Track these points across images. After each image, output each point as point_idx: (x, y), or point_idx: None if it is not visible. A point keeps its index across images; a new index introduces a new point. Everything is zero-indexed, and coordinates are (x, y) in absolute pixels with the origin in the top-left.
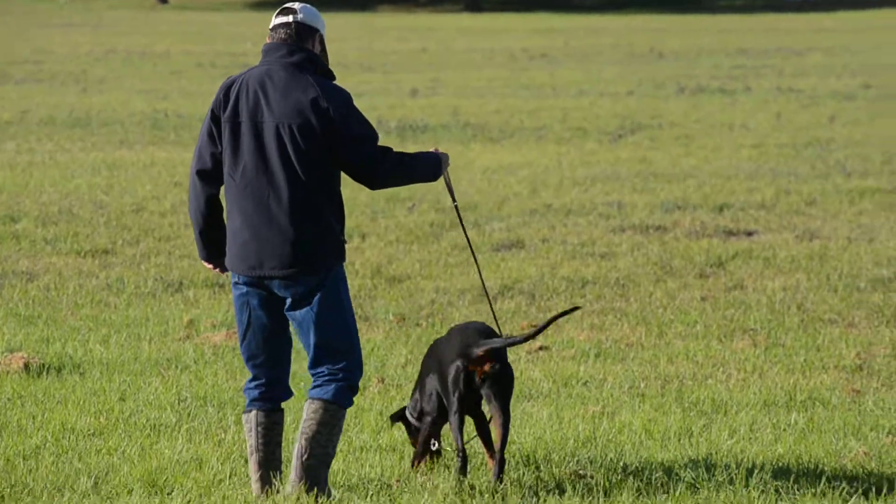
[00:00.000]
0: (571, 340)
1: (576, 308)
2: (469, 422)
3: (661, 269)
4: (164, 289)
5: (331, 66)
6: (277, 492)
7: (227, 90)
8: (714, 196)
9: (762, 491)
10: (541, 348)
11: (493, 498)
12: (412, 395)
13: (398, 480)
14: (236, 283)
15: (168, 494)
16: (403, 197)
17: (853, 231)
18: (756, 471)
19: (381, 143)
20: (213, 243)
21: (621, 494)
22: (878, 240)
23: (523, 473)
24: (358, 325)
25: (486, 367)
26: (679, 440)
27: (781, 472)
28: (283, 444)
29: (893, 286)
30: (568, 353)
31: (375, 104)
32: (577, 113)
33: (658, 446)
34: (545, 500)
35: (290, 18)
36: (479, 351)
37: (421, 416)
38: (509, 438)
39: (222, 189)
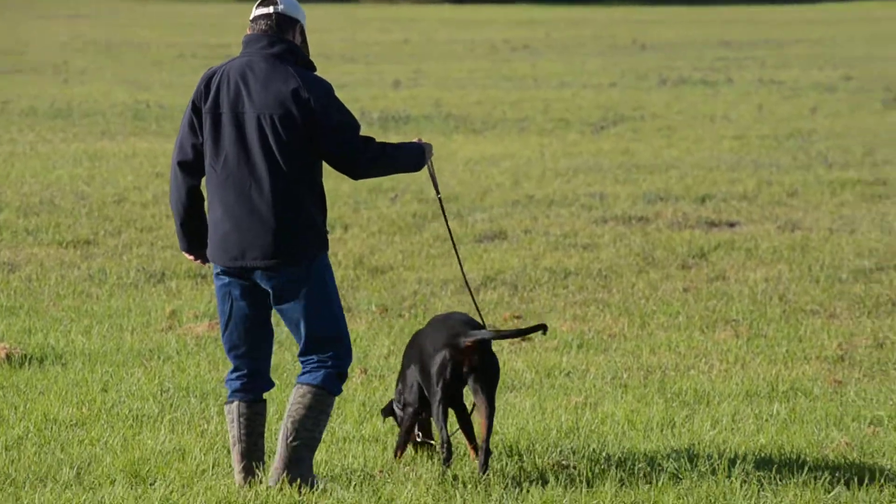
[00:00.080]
0: (554, 331)
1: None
2: (451, 414)
3: (643, 260)
4: (147, 279)
5: (313, 58)
6: (260, 482)
7: (207, 81)
8: (696, 187)
9: (744, 481)
10: (523, 340)
11: (477, 488)
12: (396, 386)
13: (381, 471)
14: (218, 274)
15: (151, 485)
16: (386, 188)
17: (835, 222)
18: (738, 461)
19: (363, 133)
20: (194, 234)
21: (604, 485)
22: (859, 231)
23: (506, 464)
24: None
25: (474, 359)
26: (661, 431)
27: (764, 463)
28: (265, 435)
29: (874, 277)
30: (551, 344)
31: (358, 95)
32: (560, 104)
33: (641, 437)
34: (528, 491)
35: (270, 9)
36: (467, 342)
37: (404, 407)
38: (493, 429)
39: (203, 180)
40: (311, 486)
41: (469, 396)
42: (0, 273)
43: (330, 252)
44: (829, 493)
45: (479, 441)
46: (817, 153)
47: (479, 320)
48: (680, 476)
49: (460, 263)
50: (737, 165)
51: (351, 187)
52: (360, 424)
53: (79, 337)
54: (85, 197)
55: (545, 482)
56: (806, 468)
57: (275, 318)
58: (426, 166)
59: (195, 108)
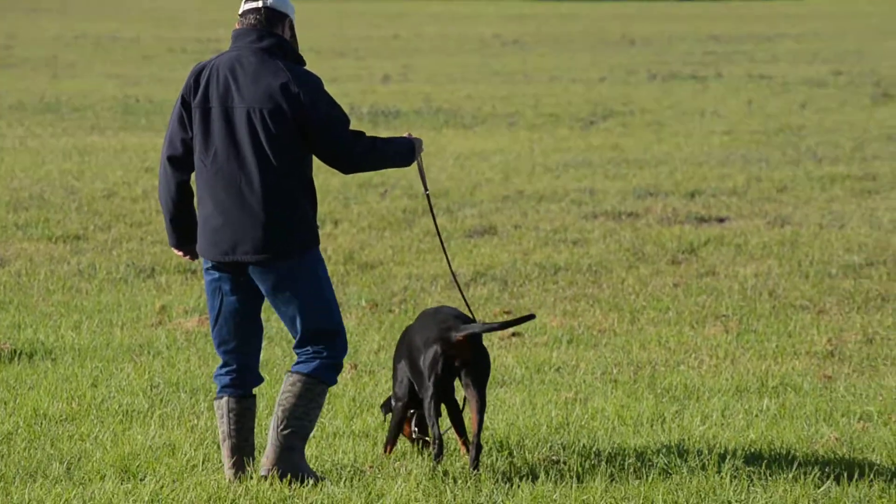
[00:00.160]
0: (544, 327)
1: (531, 317)
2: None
3: (633, 255)
4: (136, 275)
5: (302, 52)
6: (251, 477)
7: (197, 76)
8: (686, 182)
9: (734, 476)
10: (513, 335)
11: (467, 483)
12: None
13: (371, 466)
14: (208, 269)
15: (141, 480)
16: (376, 183)
17: (824, 217)
18: (728, 456)
19: (353, 128)
20: (183, 230)
21: (594, 480)
22: (848, 226)
23: (497, 459)
24: None
25: (465, 353)
26: (651, 426)
27: (753, 458)
28: (255, 430)
29: (864, 272)
30: (541, 340)
31: (347, 90)
32: (549, 99)
33: (631, 432)
34: (518, 486)
35: (259, 4)
36: (458, 336)
37: (395, 402)
38: (483, 424)
39: (193, 175)
40: (303, 475)
41: (460, 391)
42: None
43: (320, 247)
44: (819, 488)
45: (470, 436)
46: (807, 148)
47: (468, 315)
48: (670, 471)
49: (448, 260)
50: (726, 161)
51: (341, 182)
52: (350, 420)
53: (68, 332)
54: (74, 192)
55: (535, 477)
56: (795, 463)
57: (264, 313)
58: (416, 162)
59: (184, 103)
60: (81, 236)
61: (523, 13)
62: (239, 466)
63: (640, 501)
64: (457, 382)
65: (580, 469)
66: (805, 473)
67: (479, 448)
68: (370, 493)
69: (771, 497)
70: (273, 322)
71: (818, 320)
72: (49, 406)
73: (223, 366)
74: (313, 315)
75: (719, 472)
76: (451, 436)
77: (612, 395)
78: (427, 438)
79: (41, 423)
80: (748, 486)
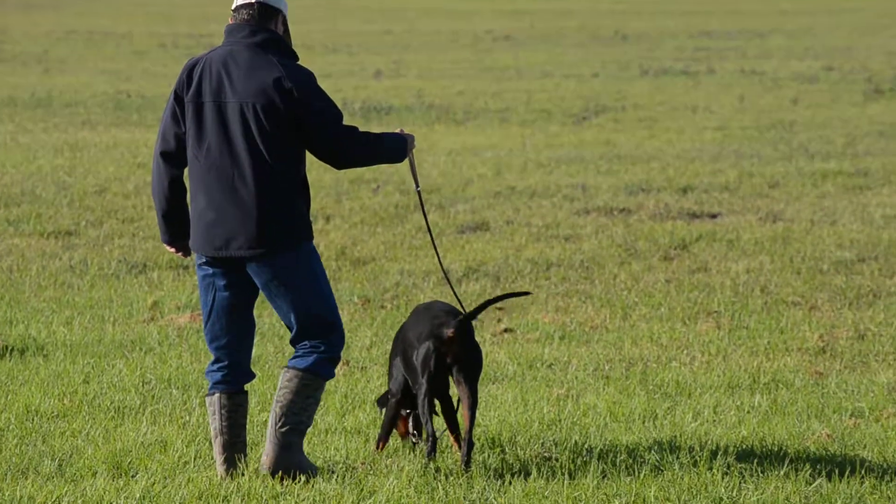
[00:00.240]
0: (536, 323)
1: (527, 293)
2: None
3: (625, 251)
4: (128, 270)
5: (295, 48)
6: (242, 474)
7: (189, 71)
8: (678, 178)
9: (726, 473)
10: (505, 331)
11: (459, 480)
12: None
13: (363, 463)
14: (201, 265)
15: (132, 477)
16: (368, 178)
17: (816, 213)
18: (720, 453)
19: (346, 123)
20: (176, 226)
21: (586, 477)
22: (840, 222)
23: (488, 456)
24: None
25: (457, 349)
26: (643, 422)
27: (745, 454)
28: (247, 427)
29: (856, 268)
30: (533, 336)
31: (340, 86)
32: (542, 95)
33: (622, 429)
34: (510, 483)
35: None
36: (449, 332)
37: (389, 398)
38: (475, 421)
39: (186, 171)
40: (303, 471)
41: (453, 388)
42: None
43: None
44: (811, 484)
45: (462, 433)
46: (799, 144)
47: (461, 309)
48: (662, 468)
49: (439, 258)
50: (718, 156)
51: (333, 178)
52: (342, 416)
53: (60, 328)
54: (66, 187)
55: (527, 474)
56: (787, 460)
57: (256, 309)
58: (408, 158)
59: (177, 98)
60: (73, 232)
61: (516, 9)
62: (231, 463)
63: (632, 498)
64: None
65: (572, 466)
66: (796, 470)
67: (470, 445)
68: (362, 490)
69: (762, 493)
70: (265, 318)
71: (810, 316)
72: (41, 402)
73: (215, 362)
74: (309, 308)
75: (711, 468)
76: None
77: (604, 391)
78: (421, 442)
79: (33, 420)
80: (740, 482)
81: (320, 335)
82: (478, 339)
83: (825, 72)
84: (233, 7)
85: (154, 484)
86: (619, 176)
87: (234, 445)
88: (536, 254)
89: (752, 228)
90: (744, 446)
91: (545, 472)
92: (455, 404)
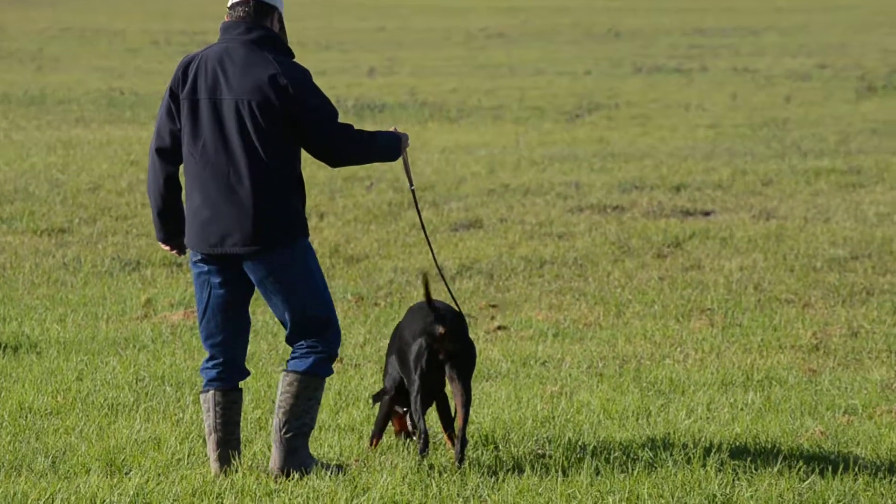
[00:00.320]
0: (530, 320)
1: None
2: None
3: (618, 248)
4: (122, 268)
5: (289, 45)
6: (236, 471)
7: (185, 68)
8: (671, 176)
9: (719, 470)
10: (499, 328)
11: (453, 477)
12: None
13: (357, 460)
14: (196, 262)
15: (126, 474)
16: (361, 176)
17: (809, 211)
18: (713, 450)
19: (341, 121)
20: (171, 224)
21: (580, 474)
22: (833, 220)
23: (482, 453)
24: None
25: (450, 346)
26: (637, 420)
27: (738, 452)
28: (241, 424)
29: (849, 266)
30: (526, 333)
31: (333, 83)
32: (535, 92)
33: (616, 426)
34: (504, 480)
35: None
36: (441, 329)
37: (384, 395)
38: (469, 418)
39: (181, 169)
40: (308, 466)
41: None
42: None
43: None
44: (804, 481)
45: (456, 430)
46: (791, 142)
47: (455, 308)
48: (655, 465)
49: (434, 256)
50: (711, 154)
51: (326, 176)
52: (335, 413)
53: (53, 325)
54: (59, 185)
55: (521, 471)
56: (780, 457)
57: (251, 307)
58: (401, 157)
59: (173, 95)
60: (66, 229)
61: (512, 6)
62: (224, 460)
63: (626, 495)
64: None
65: (565, 463)
66: (790, 467)
67: (464, 442)
68: (356, 487)
69: (756, 491)
70: (258, 316)
71: (803, 314)
72: (34, 400)
73: (210, 359)
74: (304, 304)
75: (704, 465)
76: (437, 429)
77: (598, 388)
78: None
79: (26, 417)
80: (733, 479)
81: (316, 333)
82: (471, 336)
83: (818, 69)
84: (229, 4)
85: (148, 481)
86: (612, 174)
87: (228, 442)
88: (530, 251)
89: (746, 226)
90: (737, 443)
91: (539, 469)
92: (450, 401)
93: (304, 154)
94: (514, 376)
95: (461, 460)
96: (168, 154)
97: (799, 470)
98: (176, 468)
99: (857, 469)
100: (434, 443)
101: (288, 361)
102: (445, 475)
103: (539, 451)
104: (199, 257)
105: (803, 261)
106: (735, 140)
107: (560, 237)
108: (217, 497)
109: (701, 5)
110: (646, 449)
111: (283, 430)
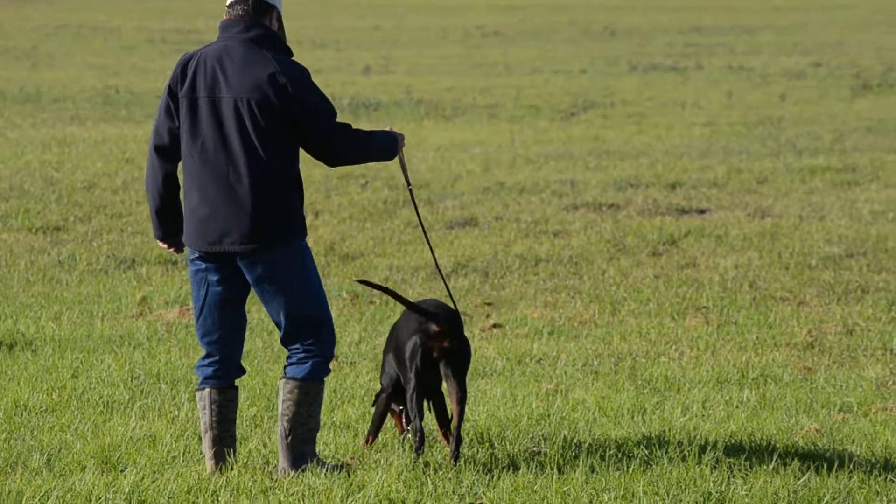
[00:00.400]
0: (525, 318)
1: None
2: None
3: (614, 246)
4: (117, 266)
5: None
6: (231, 468)
7: (184, 66)
8: (666, 174)
9: (714, 468)
10: (494, 326)
11: (448, 475)
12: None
13: (352, 458)
14: (193, 260)
15: (121, 471)
16: (357, 174)
17: (804, 209)
18: (709, 448)
19: (338, 120)
20: (169, 221)
21: (575, 471)
22: (828, 218)
23: (477, 451)
24: None
25: (445, 343)
26: (632, 417)
27: (734, 449)
28: (237, 422)
29: (844, 264)
30: (522, 331)
31: (328, 81)
32: (530, 91)
33: (611, 424)
34: (499, 478)
35: None
36: (436, 327)
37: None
38: (464, 416)
39: (179, 166)
40: (316, 462)
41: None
42: None
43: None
44: (799, 479)
45: (451, 428)
46: (787, 140)
47: (450, 306)
48: (650, 462)
49: (434, 258)
50: (707, 152)
51: (322, 174)
52: (331, 412)
53: (49, 323)
54: (54, 183)
55: (516, 469)
56: (776, 455)
57: (246, 305)
58: (398, 157)
59: (171, 93)
60: (61, 227)
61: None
62: (219, 458)
63: (621, 493)
64: None
65: (561, 460)
66: (785, 465)
67: (459, 440)
68: (351, 485)
69: (751, 488)
70: (254, 313)
71: (798, 312)
72: (29, 397)
73: (206, 357)
74: (300, 304)
75: (699, 463)
76: (432, 427)
77: (593, 386)
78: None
79: (21, 415)
80: (728, 477)
81: (311, 335)
82: (467, 334)
83: (813, 68)
84: (227, 3)
85: (143, 479)
86: (607, 172)
87: (224, 440)
88: (525, 249)
89: (741, 224)
90: (732, 441)
91: (534, 467)
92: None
93: (301, 153)
94: (509, 374)
95: (456, 458)
96: (167, 152)
97: (794, 467)
98: (171, 466)
99: (852, 467)
100: (429, 440)
101: (285, 368)
102: (441, 473)
103: (534, 449)
104: (197, 255)
105: (798, 259)
106: (730, 138)
107: (555, 235)
108: (212, 495)
109: (698, 4)
110: (641, 446)
111: (290, 438)
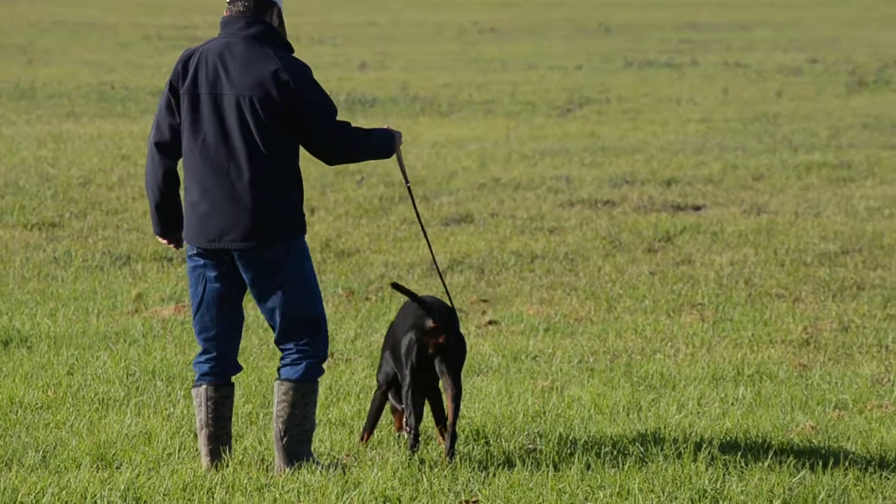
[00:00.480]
0: (521, 315)
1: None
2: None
3: (609, 243)
4: (112, 262)
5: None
6: (227, 465)
7: (185, 62)
8: (662, 170)
9: (710, 465)
10: (490, 323)
11: (444, 472)
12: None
13: (348, 455)
14: (192, 256)
15: (117, 468)
16: (352, 170)
17: (800, 205)
18: (704, 445)
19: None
20: (169, 217)
21: (570, 469)
22: (824, 214)
23: (473, 448)
24: None
25: (440, 339)
26: (628, 414)
27: (729, 446)
28: (232, 419)
29: (839, 261)
30: (517, 328)
31: (325, 77)
32: (526, 87)
33: (607, 420)
34: (495, 475)
35: None
36: (431, 322)
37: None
38: (460, 412)
39: (179, 162)
40: (313, 463)
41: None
42: None
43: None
44: (794, 476)
45: (446, 424)
46: (782, 136)
47: (448, 303)
48: (646, 460)
49: (433, 256)
50: (702, 149)
51: (318, 170)
52: (326, 408)
53: (44, 320)
54: (50, 179)
55: (512, 466)
56: (771, 452)
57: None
58: (395, 154)
59: (172, 89)
60: (57, 223)
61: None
62: (215, 454)
63: (616, 490)
64: None
65: (556, 457)
66: (780, 462)
67: (454, 436)
68: (346, 482)
69: (746, 485)
70: (249, 310)
71: (794, 308)
72: (25, 394)
73: (203, 353)
74: (295, 304)
75: (695, 460)
76: (428, 425)
77: (589, 383)
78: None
79: (17, 411)
80: (724, 474)
81: (306, 334)
82: (462, 331)
83: (809, 64)
84: None
85: (138, 475)
86: (603, 168)
87: (220, 437)
88: (521, 246)
89: (736, 221)
90: (728, 438)
91: (529, 464)
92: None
93: (301, 150)
94: (504, 371)
95: (452, 455)
96: (167, 148)
97: (789, 464)
98: (167, 463)
99: (847, 463)
100: (425, 437)
101: (280, 369)
102: (436, 470)
103: (530, 446)
104: (196, 251)
105: (794, 255)
106: (726, 134)
107: (551, 232)
108: (208, 491)
109: (692, 0)
110: (636, 443)
111: (286, 440)
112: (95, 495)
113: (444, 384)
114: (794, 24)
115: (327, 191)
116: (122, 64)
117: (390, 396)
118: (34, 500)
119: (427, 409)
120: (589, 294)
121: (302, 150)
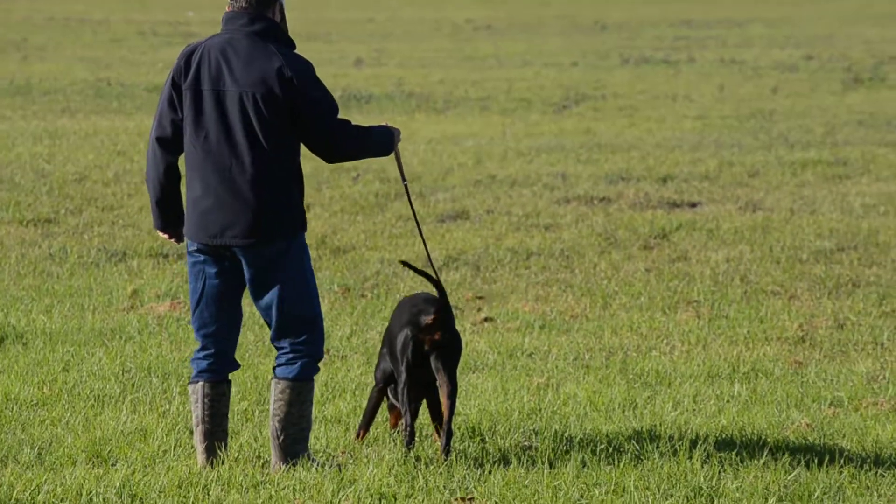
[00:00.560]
0: (516, 312)
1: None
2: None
3: (605, 240)
4: (108, 259)
5: None
6: (223, 462)
7: (188, 58)
8: (658, 167)
9: (705, 462)
10: (486, 320)
11: (439, 469)
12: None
13: (343, 452)
14: (192, 252)
15: (112, 465)
16: (348, 167)
17: (795, 202)
18: (699, 442)
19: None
20: (169, 212)
21: (566, 466)
22: (819, 211)
23: (468, 445)
24: None
25: (436, 336)
26: (623, 412)
27: (725, 444)
28: (228, 416)
29: (835, 258)
30: (513, 325)
31: (321, 74)
32: (522, 84)
33: (602, 418)
34: (490, 472)
35: None
36: (427, 319)
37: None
38: (455, 410)
39: (181, 157)
40: (311, 461)
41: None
42: None
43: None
44: (790, 473)
45: (442, 422)
46: (778, 133)
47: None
48: (641, 457)
49: (427, 252)
50: (698, 146)
51: (314, 167)
52: (322, 405)
53: (40, 316)
54: (45, 175)
55: (507, 463)
56: (766, 449)
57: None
58: (393, 152)
59: (174, 85)
60: (52, 220)
61: None
62: (211, 451)
63: (612, 487)
64: None
65: (552, 455)
66: (776, 459)
67: (450, 434)
68: (342, 479)
69: (742, 483)
70: (246, 307)
71: (789, 306)
72: (20, 391)
73: (201, 349)
74: (293, 302)
75: (690, 457)
76: (424, 422)
77: (584, 380)
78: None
79: (12, 408)
80: (719, 471)
81: (302, 332)
82: (458, 328)
83: (805, 61)
84: None
85: (134, 472)
86: (599, 165)
87: (216, 434)
88: (516, 243)
89: (732, 218)
90: (723, 435)
91: (525, 462)
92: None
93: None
94: (500, 368)
95: (447, 452)
96: (169, 143)
97: (785, 462)
98: (162, 460)
99: (842, 461)
100: (421, 435)
101: (275, 368)
102: (432, 467)
103: (525, 443)
104: (196, 247)
105: (789, 252)
106: (722, 131)
107: (547, 229)
108: (203, 489)
109: None
110: (632, 441)
111: (282, 438)
112: (91, 492)
113: (439, 381)
114: (790, 21)
115: (323, 187)
116: (116, 60)
117: (388, 393)
118: (29, 498)
119: (423, 405)
120: (585, 291)
121: (302, 148)
